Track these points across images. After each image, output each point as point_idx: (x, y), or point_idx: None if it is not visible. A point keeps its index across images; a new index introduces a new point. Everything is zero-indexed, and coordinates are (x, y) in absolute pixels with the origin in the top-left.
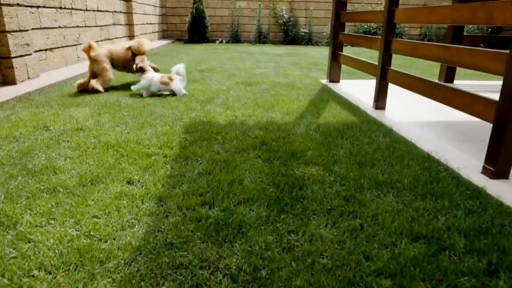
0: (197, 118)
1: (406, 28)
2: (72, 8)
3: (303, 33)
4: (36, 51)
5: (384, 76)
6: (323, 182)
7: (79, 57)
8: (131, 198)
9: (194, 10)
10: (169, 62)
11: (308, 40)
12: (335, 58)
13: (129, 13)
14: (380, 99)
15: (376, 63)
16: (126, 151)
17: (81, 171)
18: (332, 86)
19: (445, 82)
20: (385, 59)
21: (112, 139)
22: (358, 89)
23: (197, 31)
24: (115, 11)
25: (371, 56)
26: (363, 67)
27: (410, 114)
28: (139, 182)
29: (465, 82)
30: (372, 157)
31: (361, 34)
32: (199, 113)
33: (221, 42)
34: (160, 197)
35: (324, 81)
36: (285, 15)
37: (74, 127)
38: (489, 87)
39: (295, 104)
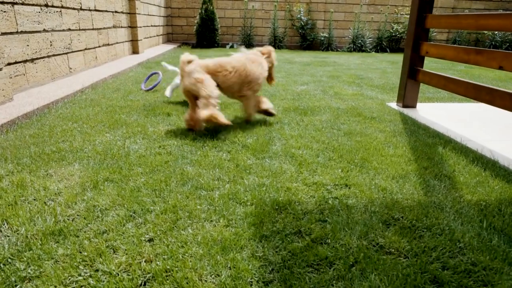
0: (264, 193)
1: (434, 33)
2: (62, 7)
3: (322, 38)
4: (10, 63)
5: None
6: None
7: (71, 69)
8: None
9: (203, 11)
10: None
11: (327, 45)
12: (414, 76)
13: (132, 13)
14: None
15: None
16: None
17: None
18: (413, 114)
19: None
20: None
21: (122, 277)
22: (457, 122)
23: (206, 35)
24: (116, 11)
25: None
26: (482, 95)
27: None
28: None
29: None
30: None
31: (464, 46)
32: (261, 179)
33: (232, 46)
34: None
35: (394, 105)
36: (302, 18)
37: (48, 228)
38: None
39: (393, 154)
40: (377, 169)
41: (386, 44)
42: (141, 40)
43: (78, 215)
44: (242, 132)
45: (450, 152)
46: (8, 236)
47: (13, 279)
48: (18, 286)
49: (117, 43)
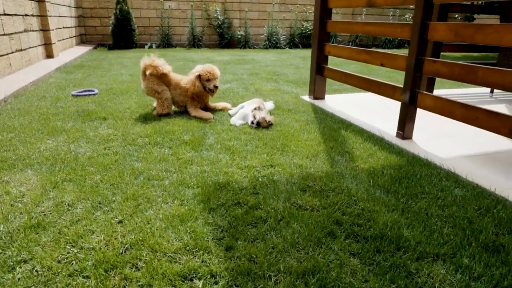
0: (206, 177)
1: None
2: None
3: (239, 36)
4: None
5: (413, 101)
6: None
7: None
8: None
9: (117, 11)
10: (106, 76)
11: (245, 43)
12: (320, 72)
13: (43, 16)
14: (407, 127)
15: (386, 82)
16: (138, 276)
17: None
18: (322, 105)
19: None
20: (415, 82)
21: (104, 249)
22: (356, 109)
23: (123, 35)
24: (26, 14)
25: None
26: (372, 87)
27: (445, 144)
28: None
29: (448, 91)
30: (486, 231)
31: (350, 46)
32: (202, 167)
33: (150, 47)
34: None
35: (307, 97)
36: (219, 17)
37: (26, 223)
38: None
39: (307, 138)
40: (295, 151)
41: (298, 40)
42: (54, 43)
43: (49, 211)
44: (179, 129)
45: (350, 134)
46: None
47: (10, 263)
48: (17, 267)
49: (30, 47)
